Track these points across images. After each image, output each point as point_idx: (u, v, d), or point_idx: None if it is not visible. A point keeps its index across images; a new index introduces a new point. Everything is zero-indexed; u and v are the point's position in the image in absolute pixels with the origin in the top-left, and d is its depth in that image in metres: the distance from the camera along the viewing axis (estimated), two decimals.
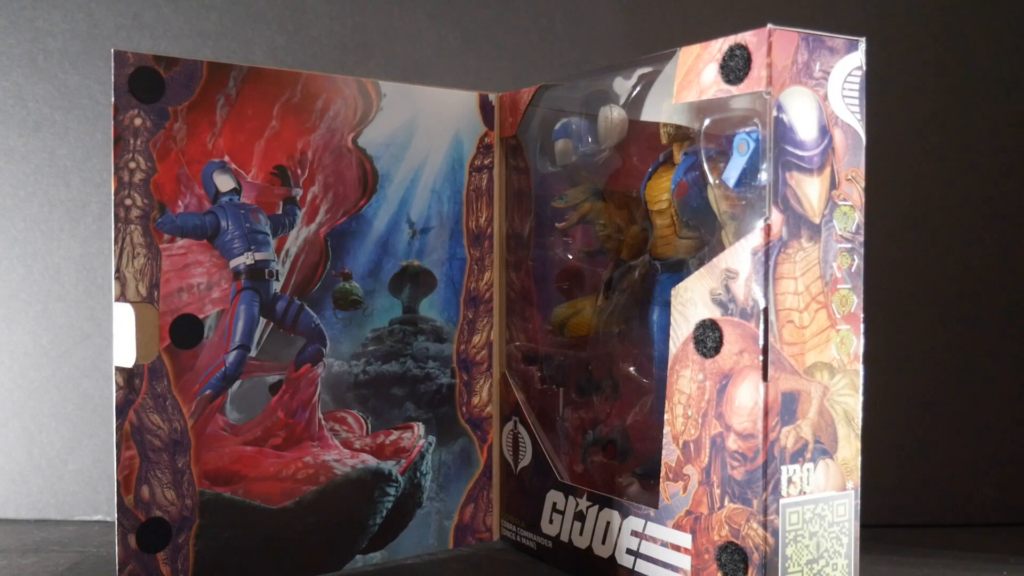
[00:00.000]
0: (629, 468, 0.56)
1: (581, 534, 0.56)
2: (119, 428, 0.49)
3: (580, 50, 0.75)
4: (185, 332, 0.51)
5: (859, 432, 0.46)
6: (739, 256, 0.45)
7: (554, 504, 0.59)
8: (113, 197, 0.49)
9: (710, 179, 0.48)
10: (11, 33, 0.72)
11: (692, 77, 0.47)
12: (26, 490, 0.72)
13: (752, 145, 0.45)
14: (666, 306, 0.50)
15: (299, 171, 0.55)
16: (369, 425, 0.58)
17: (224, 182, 0.52)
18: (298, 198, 0.55)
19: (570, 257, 0.61)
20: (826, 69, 0.44)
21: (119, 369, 0.50)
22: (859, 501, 0.47)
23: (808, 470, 0.45)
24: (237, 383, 0.53)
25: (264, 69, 0.53)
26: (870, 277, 0.47)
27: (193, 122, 0.51)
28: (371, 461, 0.57)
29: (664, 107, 0.52)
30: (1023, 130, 0.74)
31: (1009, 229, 0.73)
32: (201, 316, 0.52)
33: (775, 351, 0.44)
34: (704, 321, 0.46)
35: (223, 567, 0.53)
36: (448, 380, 0.61)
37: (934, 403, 0.73)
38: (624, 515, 0.53)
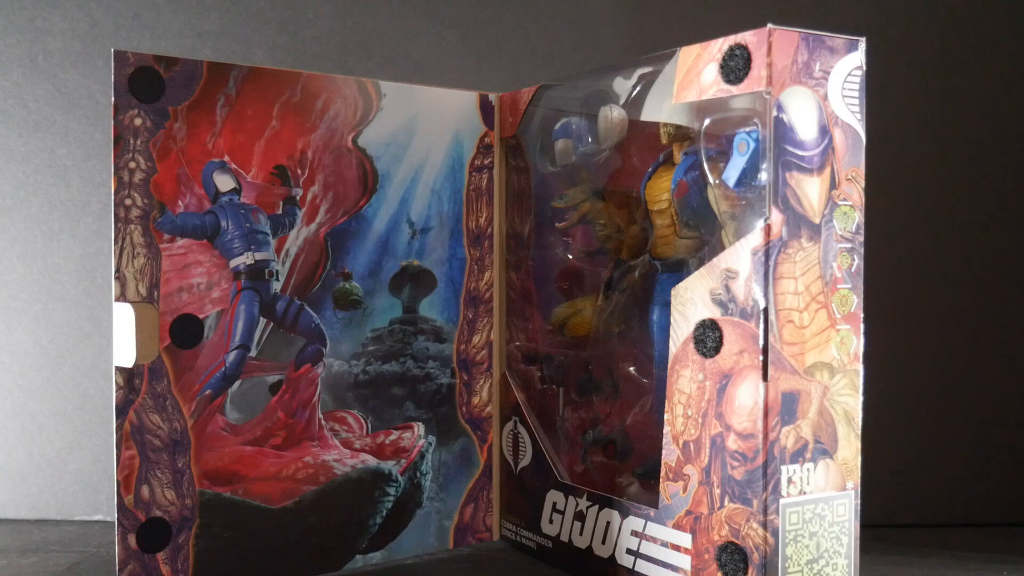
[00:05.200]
0: (629, 468, 0.56)
1: (581, 534, 0.56)
2: (119, 428, 0.49)
3: (580, 50, 0.75)
4: (185, 332, 0.51)
5: (859, 432, 0.46)
6: (739, 256, 0.44)
7: (554, 504, 0.59)
8: (113, 197, 0.49)
9: (710, 179, 0.48)
10: (11, 33, 0.72)
11: (692, 77, 0.47)
12: (26, 490, 0.72)
13: (752, 145, 0.45)
14: (666, 306, 0.50)
15: (299, 171, 0.55)
16: (369, 425, 0.58)
17: (224, 182, 0.52)
18: (298, 198, 0.55)
19: (570, 257, 0.61)
20: (826, 69, 0.44)
21: (119, 369, 0.50)
22: (859, 501, 0.47)
23: (808, 470, 0.45)
24: (237, 383, 0.53)
25: (264, 69, 0.53)
26: (870, 277, 0.47)
27: (193, 122, 0.51)
28: (371, 461, 0.57)
29: (664, 107, 0.52)
30: (1023, 129, 0.74)
31: (1009, 229, 0.73)
32: (201, 316, 0.52)
33: (775, 351, 0.44)
34: (704, 321, 0.46)
35: (223, 567, 0.53)
36: (448, 380, 0.61)
37: (934, 403, 0.73)
38: (624, 515, 0.53)
